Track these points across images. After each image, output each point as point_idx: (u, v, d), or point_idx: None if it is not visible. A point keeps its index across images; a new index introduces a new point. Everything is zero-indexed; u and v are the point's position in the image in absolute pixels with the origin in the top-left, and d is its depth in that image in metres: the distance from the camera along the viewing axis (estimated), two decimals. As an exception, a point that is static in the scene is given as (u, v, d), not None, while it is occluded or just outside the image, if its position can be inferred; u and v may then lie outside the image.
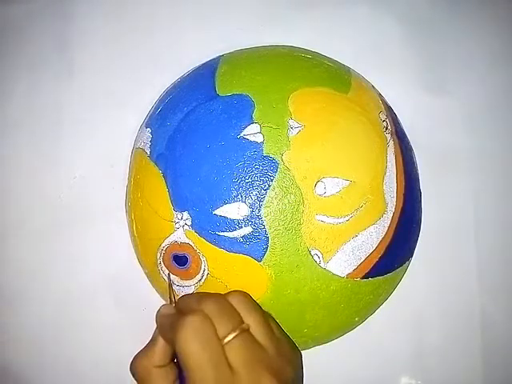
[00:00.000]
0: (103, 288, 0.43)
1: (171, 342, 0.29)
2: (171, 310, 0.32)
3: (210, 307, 0.30)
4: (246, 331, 0.30)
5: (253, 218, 0.34)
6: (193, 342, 0.28)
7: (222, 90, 0.36)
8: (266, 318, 0.32)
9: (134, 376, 0.31)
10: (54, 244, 0.43)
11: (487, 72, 0.45)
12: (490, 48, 0.45)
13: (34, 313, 0.43)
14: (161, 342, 0.31)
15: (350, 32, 0.45)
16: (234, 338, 0.29)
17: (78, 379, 0.42)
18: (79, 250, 0.43)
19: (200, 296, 0.31)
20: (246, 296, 0.32)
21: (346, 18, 0.45)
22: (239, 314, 0.30)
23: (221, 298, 0.31)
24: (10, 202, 0.44)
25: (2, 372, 0.43)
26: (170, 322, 0.30)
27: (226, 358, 0.28)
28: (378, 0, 0.46)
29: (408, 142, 0.40)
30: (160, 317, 0.32)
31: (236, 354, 0.28)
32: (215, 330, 0.29)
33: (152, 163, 0.37)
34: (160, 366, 0.31)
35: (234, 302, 0.31)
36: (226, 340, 0.29)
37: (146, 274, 0.40)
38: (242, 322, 0.30)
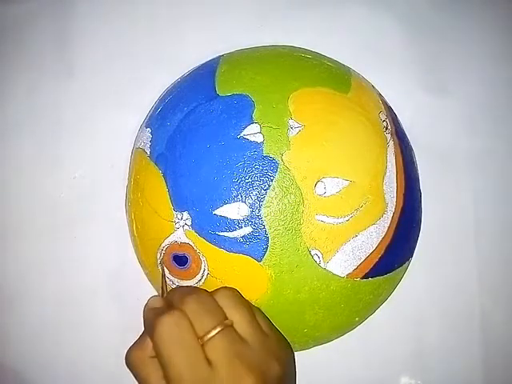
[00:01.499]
0: (103, 288, 0.43)
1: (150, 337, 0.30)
2: (158, 303, 0.32)
3: (190, 305, 0.30)
4: (228, 327, 0.30)
5: (253, 218, 0.34)
6: (167, 341, 0.28)
7: (221, 90, 0.36)
8: (252, 313, 0.32)
9: (128, 367, 0.31)
10: (54, 244, 0.43)
11: (487, 72, 0.45)
12: (490, 48, 0.45)
13: (33, 313, 0.43)
14: None
15: (350, 32, 0.45)
16: (215, 334, 0.29)
17: (77, 379, 0.43)
18: (79, 250, 0.43)
19: (184, 292, 0.31)
20: (232, 291, 0.32)
21: (346, 17, 0.45)
22: (223, 311, 0.30)
23: (204, 295, 0.31)
24: (10, 202, 0.44)
25: (1, 372, 0.43)
26: (151, 318, 0.30)
27: (206, 356, 0.28)
28: (377, 0, 0.46)
29: (408, 142, 0.40)
30: (146, 310, 0.32)
31: (216, 350, 0.29)
32: (193, 329, 0.29)
33: (152, 163, 0.37)
34: (153, 357, 0.30)
35: (220, 297, 0.31)
36: (207, 337, 0.29)
37: (146, 274, 0.40)
38: (226, 318, 0.30)
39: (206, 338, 0.29)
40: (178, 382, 0.28)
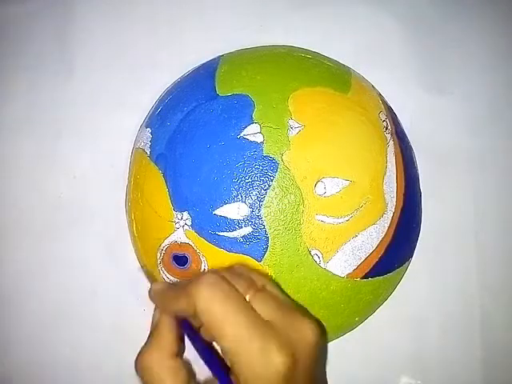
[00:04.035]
0: (103, 288, 0.43)
1: (185, 310, 0.27)
2: (167, 284, 0.30)
3: (221, 272, 0.28)
4: (263, 289, 0.28)
5: (253, 218, 0.34)
6: (216, 295, 0.26)
7: (221, 90, 0.36)
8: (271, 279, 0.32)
9: (139, 374, 0.28)
10: (54, 244, 0.43)
11: (487, 72, 0.45)
12: (490, 48, 0.45)
13: (33, 313, 0.43)
14: (164, 328, 0.29)
15: (350, 32, 0.45)
16: (256, 293, 0.27)
17: (77, 380, 0.42)
18: (79, 250, 0.43)
19: (202, 271, 0.30)
20: (247, 264, 0.32)
21: (346, 17, 0.45)
22: (250, 277, 0.29)
23: (224, 267, 0.30)
24: (10, 202, 0.44)
25: (1, 372, 0.43)
26: (176, 292, 0.28)
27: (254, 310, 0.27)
28: (378, 0, 0.46)
29: (408, 142, 0.40)
30: (157, 293, 0.30)
31: (263, 304, 0.27)
32: (235, 288, 0.27)
33: (152, 163, 0.37)
34: (169, 358, 0.28)
35: (240, 269, 0.30)
36: (247, 297, 0.27)
37: (146, 274, 0.40)
38: (255, 283, 0.29)
39: (247, 298, 0.27)
40: (238, 344, 0.25)
